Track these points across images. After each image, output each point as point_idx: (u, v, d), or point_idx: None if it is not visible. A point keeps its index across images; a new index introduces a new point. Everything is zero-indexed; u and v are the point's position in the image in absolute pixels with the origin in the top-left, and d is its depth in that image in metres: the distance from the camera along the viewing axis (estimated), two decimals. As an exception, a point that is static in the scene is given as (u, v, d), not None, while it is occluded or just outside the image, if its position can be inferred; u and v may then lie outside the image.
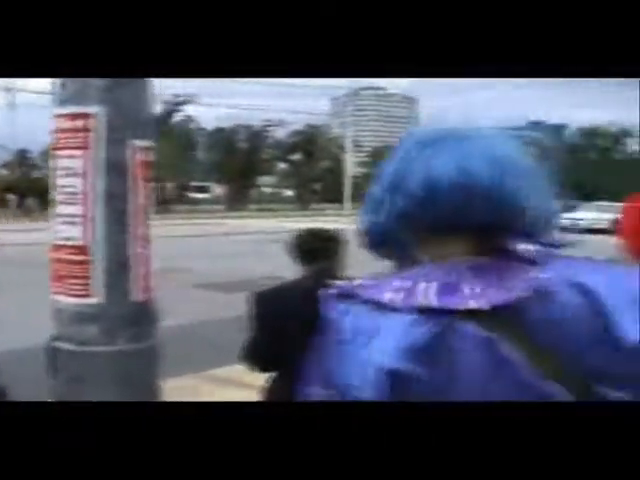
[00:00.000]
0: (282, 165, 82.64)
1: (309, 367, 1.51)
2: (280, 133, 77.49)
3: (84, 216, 3.07)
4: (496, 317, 1.29)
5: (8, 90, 53.00)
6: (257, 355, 3.52)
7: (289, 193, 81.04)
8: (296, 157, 77.74)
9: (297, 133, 77.42)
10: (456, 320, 1.30)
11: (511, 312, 1.29)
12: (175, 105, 72.96)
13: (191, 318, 10.34)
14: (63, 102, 3.15)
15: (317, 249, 3.48)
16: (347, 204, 55.47)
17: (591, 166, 78.88)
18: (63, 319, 3.15)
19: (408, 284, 1.35)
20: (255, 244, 23.05)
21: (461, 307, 1.30)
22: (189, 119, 76.92)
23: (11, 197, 49.90)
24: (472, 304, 1.29)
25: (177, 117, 75.41)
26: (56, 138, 3.18)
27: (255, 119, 73.93)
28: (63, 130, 3.15)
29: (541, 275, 1.31)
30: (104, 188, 3.07)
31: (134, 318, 3.14)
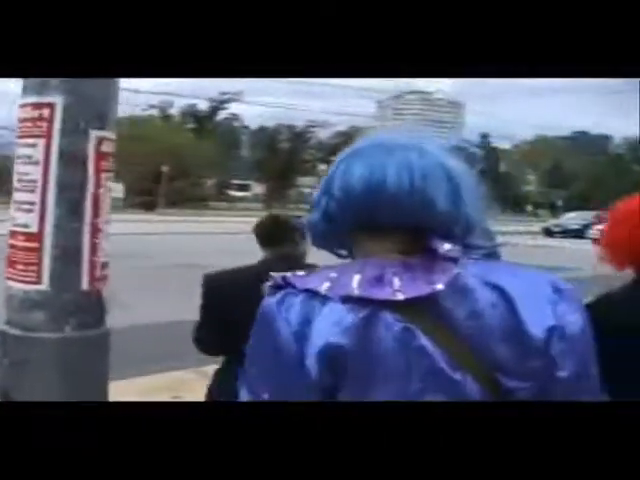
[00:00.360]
0: (323, 166, 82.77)
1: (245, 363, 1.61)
2: (323, 134, 77.63)
3: (39, 204, 3.10)
4: (414, 308, 1.42)
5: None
6: (201, 338, 3.50)
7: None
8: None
9: (340, 135, 77.44)
10: (378, 310, 1.43)
11: (428, 305, 1.43)
12: (220, 103, 73.47)
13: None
14: (27, 92, 3.19)
15: (275, 234, 3.48)
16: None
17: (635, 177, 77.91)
18: (13, 305, 3.18)
19: (340, 276, 1.48)
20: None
21: (382, 298, 1.43)
22: (233, 117, 77.46)
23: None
24: (391, 296, 1.42)
25: (221, 115, 75.95)
26: (19, 127, 3.23)
27: (298, 119, 73.96)
28: (26, 119, 3.19)
29: (459, 272, 1.44)
30: (60, 177, 3.10)
31: (82, 306, 3.16)
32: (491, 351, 1.43)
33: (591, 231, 34.80)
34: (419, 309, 1.43)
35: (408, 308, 1.43)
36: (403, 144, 1.53)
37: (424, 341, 1.43)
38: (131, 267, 12.76)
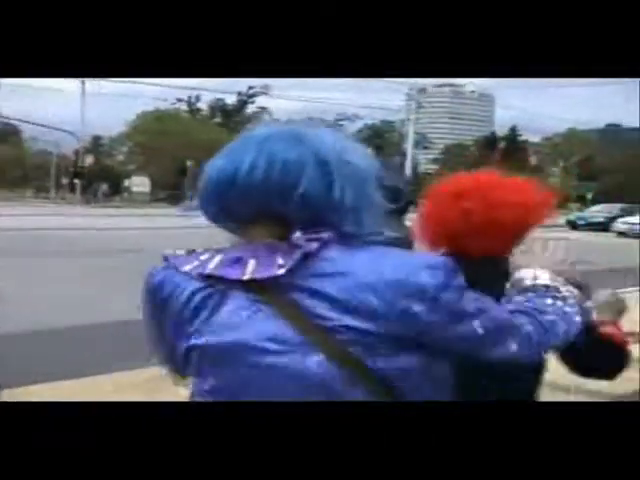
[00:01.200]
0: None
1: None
2: (351, 127, 77.34)
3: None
4: (267, 289, 1.50)
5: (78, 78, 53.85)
6: None
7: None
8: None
9: (368, 128, 77.28)
10: (230, 288, 1.52)
11: (282, 286, 1.50)
12: (248, 97, 73.53)
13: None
14: None
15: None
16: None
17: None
18: None
19: (208, 257, 1.57)
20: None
21: (231, 277, 1.51)
22: (262, 110, 77.46)
23: (78, 182, 50.85)
24: (240, 276, 1.51)
25: (250, 108, 75.98)
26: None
27: (327, 113, 73.80)
28: None
29: (309, 258, 1.50)
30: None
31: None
32: (345, 332, 1.47)
33: (616, 224, 34.48)
34: (272, 290, 1.50)
35: (262, 289, 1.50)
36: (277, 135, 1.58)
37: (273, 317, 1.50)
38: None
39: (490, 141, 79.42)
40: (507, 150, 73.52)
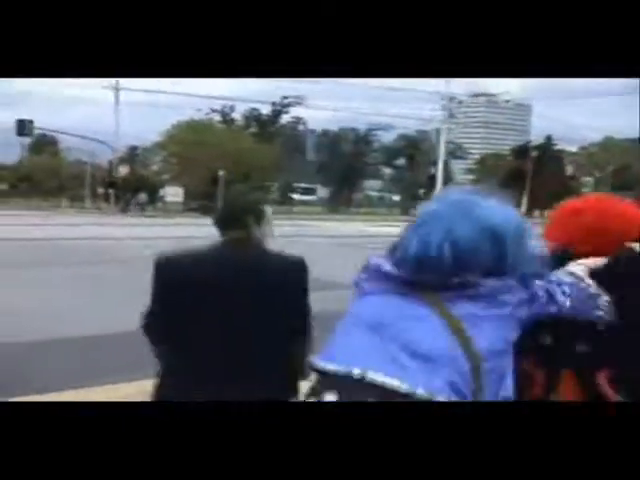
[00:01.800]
0: (387, 169, 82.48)
1: None
2: (386, 137, 77.24)
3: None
4: None
5: (113, 88, 54.33)
6: (150, 324, 3.35)
7: (395, 198, 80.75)
8: (400, 162, 77.45)
9: (403, 138, 77.09)
10: None
11: None
12: (283, 107, 73.69)
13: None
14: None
15: (227, 218, 3.39)
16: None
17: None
18: None
19: None
20: (331, 247, 23.09)
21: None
22: (298, 120, 77.61)
23: (112, 192, 51.28)
24: None
25: (285, 118, 76.15)
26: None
27: (362, 122, 73.76)
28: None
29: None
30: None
31: None
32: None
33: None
34: None
35: None
36: (456, 214, 2.02)
37: None
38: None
39: (524, 150, 78.77)
40: (541, 159, 72.86)
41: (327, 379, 1.89)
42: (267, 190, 60.56)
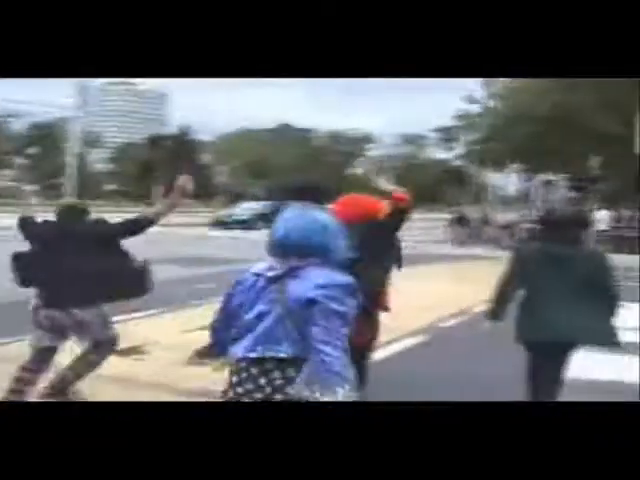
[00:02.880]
0: (19, 159, 79.34)
1: None
2: (19, 125, 74.39)
3: None
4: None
5: None
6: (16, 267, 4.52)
7: (29, 188, 77.67)
8: (34, 150, 74.76)
9: (35, 126, 74.52)
10: None
11: None
12: None
13: None
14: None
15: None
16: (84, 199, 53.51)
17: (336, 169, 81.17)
18: None
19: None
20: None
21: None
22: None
23: None
24: None
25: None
26: None
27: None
28: None
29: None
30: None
31: None
32: None
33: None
34: None
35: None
36: (295, 217, 3.14)
37: None
38: None
39: (161, 139, 79.39)
40: (177, 148, 73.77)
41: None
42: None
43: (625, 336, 8.66)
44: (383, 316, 5.44)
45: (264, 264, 3.06)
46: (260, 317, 2.99)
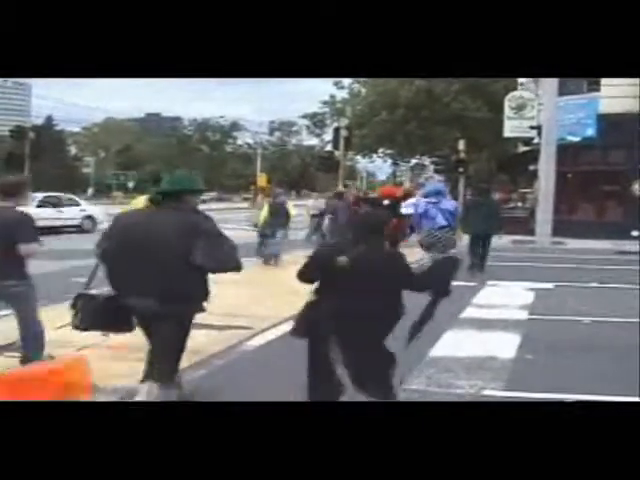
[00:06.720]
0: None
1: None
2: None
3: None
4: None
5: None
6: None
7: None
8: None
9: None
10: None
11: None
12: None
13: None
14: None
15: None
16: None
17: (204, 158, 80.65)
18: None
19: None
20: None
21: None
22: None
23: None
24: None
25: None
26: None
27: None
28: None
29: None
30: None
31: None
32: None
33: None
34: None
35: None
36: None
37: None
38: None
39: (23, 132, 77.27)
40: (41, 141, 71.95)
41: None
42: None
43: (494, 314, 9.18)
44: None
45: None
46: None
